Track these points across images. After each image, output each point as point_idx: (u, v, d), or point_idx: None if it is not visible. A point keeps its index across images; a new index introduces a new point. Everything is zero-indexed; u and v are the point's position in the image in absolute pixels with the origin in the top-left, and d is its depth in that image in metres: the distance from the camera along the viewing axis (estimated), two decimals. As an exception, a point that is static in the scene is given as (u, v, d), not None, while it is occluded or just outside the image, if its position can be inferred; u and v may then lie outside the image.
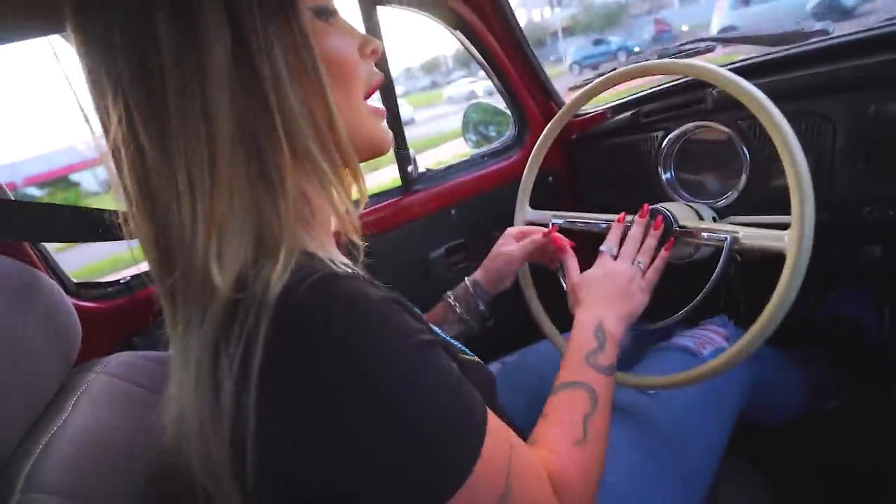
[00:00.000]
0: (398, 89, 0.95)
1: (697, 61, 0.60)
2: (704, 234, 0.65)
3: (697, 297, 0.65)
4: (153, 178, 0.33)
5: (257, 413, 0.30)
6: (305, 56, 0.36)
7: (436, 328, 0.48)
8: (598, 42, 17.28)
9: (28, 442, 0.40)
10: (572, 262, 0.68)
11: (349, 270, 0.36)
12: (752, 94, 0.52)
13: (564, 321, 0.81)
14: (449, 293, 0.80)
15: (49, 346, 0.47)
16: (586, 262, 0.61)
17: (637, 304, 0.59)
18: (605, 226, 0.81)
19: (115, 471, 0.41)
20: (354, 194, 0.48)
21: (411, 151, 0.96)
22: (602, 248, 0.65)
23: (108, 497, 0.39)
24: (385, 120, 0.48)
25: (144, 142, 0.33)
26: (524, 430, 0.77)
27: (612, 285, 0.60)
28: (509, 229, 0.84)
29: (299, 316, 0.31)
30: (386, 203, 0.94)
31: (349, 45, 0.42)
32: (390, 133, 0.48)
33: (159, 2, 0.32)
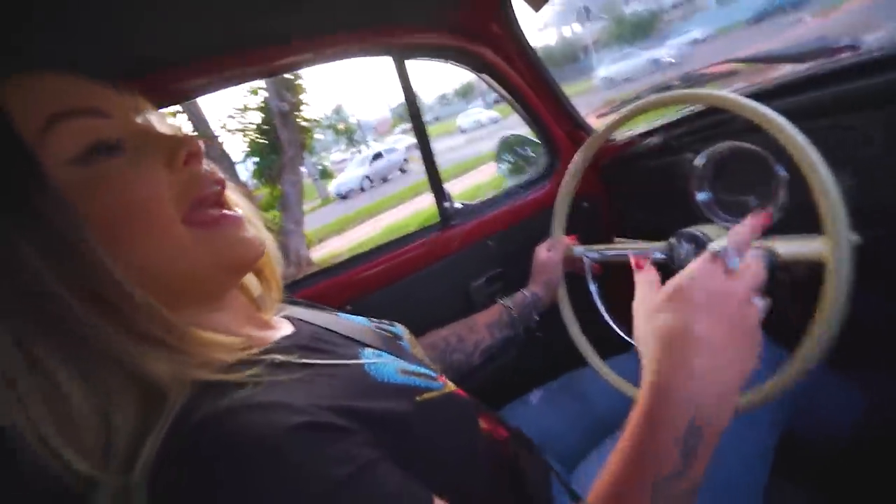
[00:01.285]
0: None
1: (712, 90, 0.61)
2: None
3: None
4: None
5: None
6: (66, 230, 0.31)
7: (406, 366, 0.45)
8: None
9: None
10: (641, 278, 0.48)
11: (251, 391, 0.32)
12: (765, 115, 0.52)
13: (607, 343, 0.82)
14: (506, 298, 0.84)
15: None
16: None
17: (751, 363, 0.38)
18: (641, 255, 0.81)
19: None
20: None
21: (446, 188, 1.01)
22: (714, 246, 0.42)
23: None
24: (241, 227, 0.39)
25: None
26: (566, 454, 0.78)
27: (725, 320, 0.37)
28: (538, 248, 0.89)
29: (172, 485, 0.29)
30: (426, 239, 0.99)
31: (143, 177, 0.35)
32: (248, 240, 0.40)
33: None
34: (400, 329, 0.65)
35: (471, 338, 0.79)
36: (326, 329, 0.52)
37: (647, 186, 1.02)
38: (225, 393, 0.32)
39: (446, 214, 1.01)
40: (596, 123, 1.13)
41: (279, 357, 0.38)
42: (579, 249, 0.87)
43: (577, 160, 0.81)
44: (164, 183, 0.36)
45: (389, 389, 0.42)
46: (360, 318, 0.60)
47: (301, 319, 0.53)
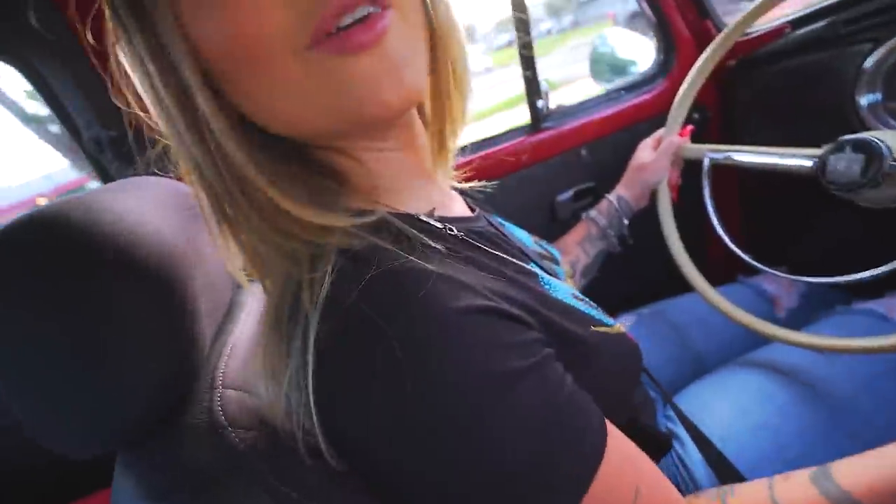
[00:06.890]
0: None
1: None
2: None
3: None
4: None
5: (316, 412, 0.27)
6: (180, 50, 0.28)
7: (564, 297, 0.40)
8: None
9: (217, 344, 0.44)
10: None
11: (436, 254, 0.31)
12: None
13: (713, 271, 0.71)
14: (590, 211, 0.77)
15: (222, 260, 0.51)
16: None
17: None
18: (778, 162, 0.67)
19: None
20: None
21: (543, 84, 0.88)
22: None
23: None
24: (379, 58, 0.27)
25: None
26: (662, 386, 0.71)
27: None
28: (643, 141, 0.78)
29: (352, 324, 0.26)
30: (513, 143, 0.88)
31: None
32: (382, 80, 0.28)
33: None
34: (557, 253, 0.59)
35: (566, 260, 0.72)
36: (498, 228, 0.48)
37: (783, 93, 0.84)
38: (404, 249, 0.30)
39: (538, 115, 0.89)
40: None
41: (462, 235, 0.37)
42: (698, 148, 0.73)
43: (709, 55, 0.66)
44: (277, 7, 0.26)
45: (565, 308, 0.38)
46: (521, 230, 0.55)
47: (476, 205, 0.50)
